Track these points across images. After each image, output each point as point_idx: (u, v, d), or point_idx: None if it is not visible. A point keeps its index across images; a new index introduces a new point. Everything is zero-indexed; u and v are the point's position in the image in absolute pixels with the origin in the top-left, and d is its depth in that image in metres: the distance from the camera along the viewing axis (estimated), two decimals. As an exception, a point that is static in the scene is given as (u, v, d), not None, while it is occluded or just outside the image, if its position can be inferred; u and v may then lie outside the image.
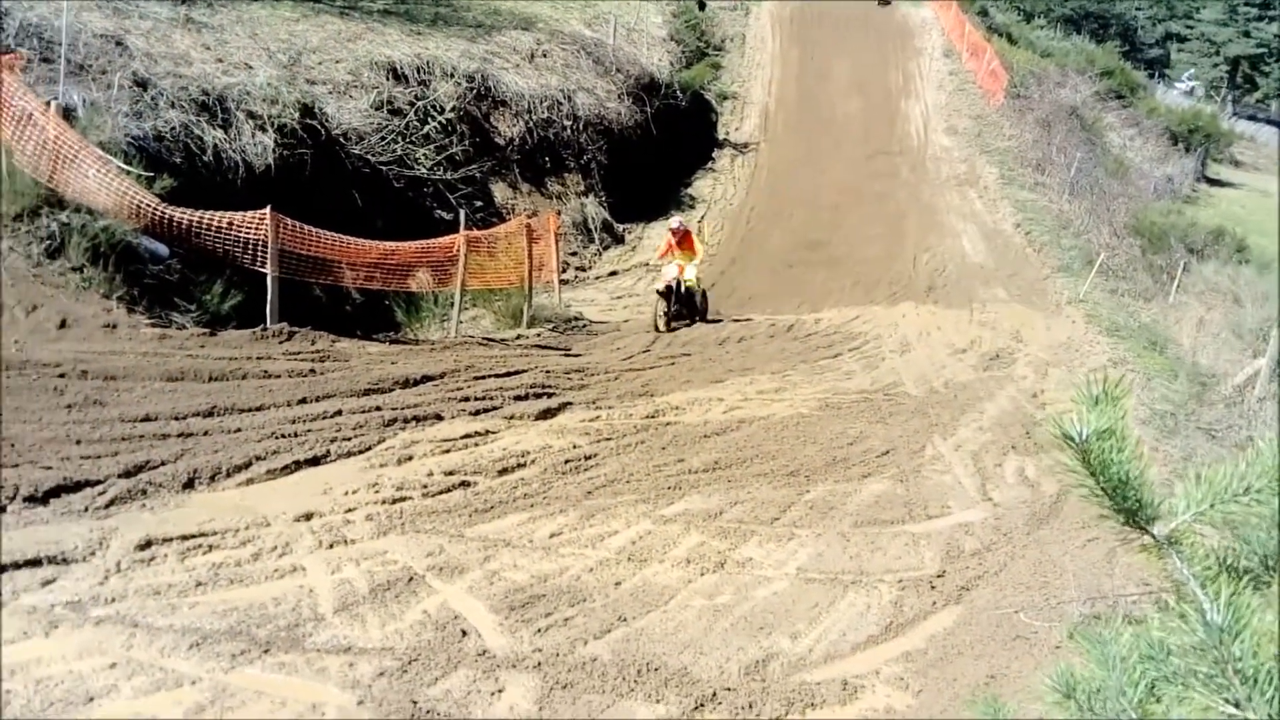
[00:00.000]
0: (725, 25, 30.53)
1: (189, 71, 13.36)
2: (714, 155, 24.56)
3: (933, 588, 6.18)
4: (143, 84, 12.41)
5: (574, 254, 18.46)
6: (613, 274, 18.57)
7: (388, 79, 16.24)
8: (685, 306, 14.63)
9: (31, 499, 5.84)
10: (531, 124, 18.84)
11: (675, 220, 15.80)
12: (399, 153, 15.52)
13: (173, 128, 12.24)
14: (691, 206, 21.96)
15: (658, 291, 14.28)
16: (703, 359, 12.02)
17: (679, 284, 14.27)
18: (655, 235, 20.16)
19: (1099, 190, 24.07)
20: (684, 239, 14.83)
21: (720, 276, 18.37)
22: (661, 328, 13.86)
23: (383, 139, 15.35)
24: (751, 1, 31.70)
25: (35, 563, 5.05)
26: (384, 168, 15.18)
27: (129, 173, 10.65)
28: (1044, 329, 15.91)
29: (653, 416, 9.09)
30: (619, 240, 19.96)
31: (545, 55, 20.50)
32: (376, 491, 6.60)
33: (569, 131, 19.67)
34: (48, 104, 10.51)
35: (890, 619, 5.72)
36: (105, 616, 4.63)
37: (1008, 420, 10.73)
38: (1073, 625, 5.43)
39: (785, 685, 4.83)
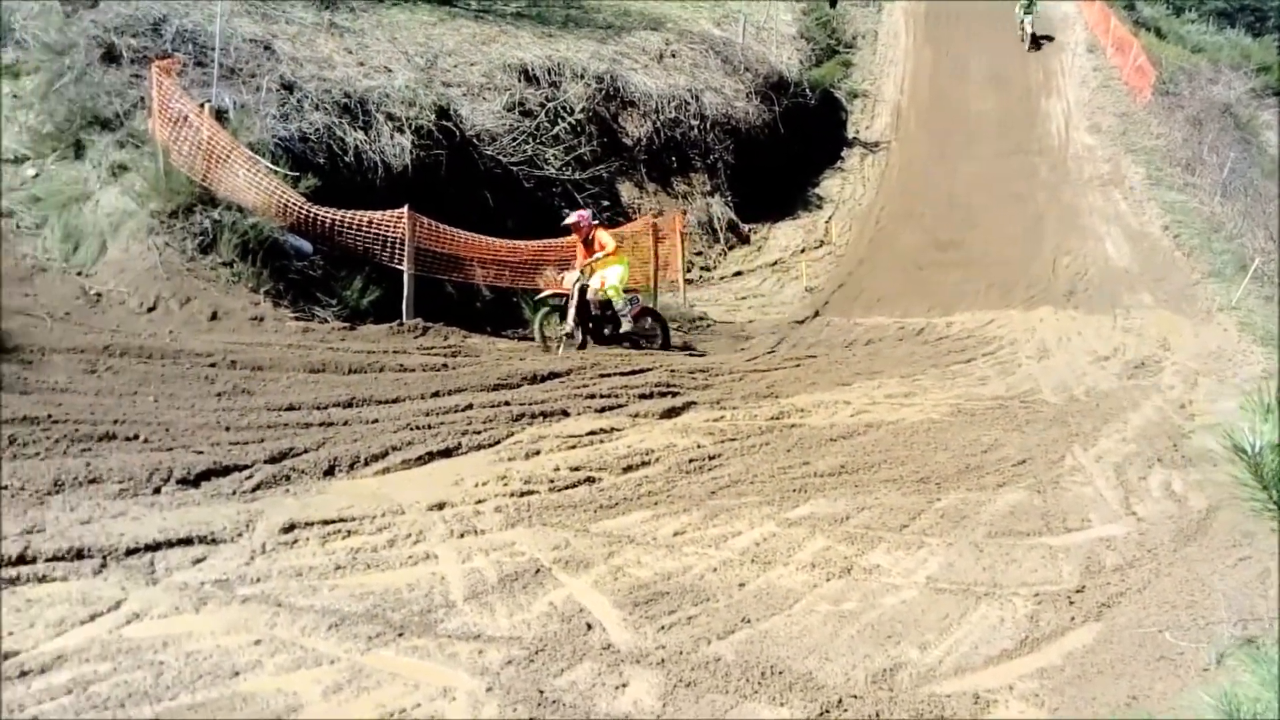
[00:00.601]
0: (857, 22, 30.04)
1: (332, 75, 13.88)
2: (843, 154, 24.20)
3: (1071, 603, 5.93)
4: (289, 87, 12.95)
5: (699, 254, 18.46)
6: (737, 274, 18.50)
7: (520, 81, 16.55)
8: (603, 324, 11.74)
9: (184, 481, 6.16)
10: (659, 124, 18.92)
11: (573, 214, 12.11)
12: (529, 153, 15.79)
13: (316, 129, 12.73)
14: (819, 206, 21.69)
15: (543, 300, 11.65)
16: (829, 361, 11.85)
17: (583, 292, 11.36)
18: (782, 235, 20.00)
19: (1254, 192, 22.70)
20: (589, 238, 11.73)
21: (848, 278, 18.09)
22: (553, 348, 11.21)
23: (514, 140, 15.66)
24: (885, -2, 31.10)
25: (187, 541, 5.32)
26: (515, 168, 15.48)
27: (276, 172, 11.14)
28: (1193, 337, 15.11)
29: (777, 418, 9.01)
30: (744, 240, 19.86)
31: (674, 55, 20.55)
32: (505, 484, 6.73)
33: (696, 131, 19.68)
34: (202, 106, 11.08)
35: (1025, 633, 5.51)
36: (251, 595, 4.84)
37: (1153, 431, 10.22)
38: (1224, 647, 5.13)
39: (914, 696, 4.71)
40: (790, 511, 6.83)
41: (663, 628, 5.03)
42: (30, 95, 12.10)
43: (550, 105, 16.59)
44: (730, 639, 5.06)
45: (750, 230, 20.04)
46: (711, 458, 7.73)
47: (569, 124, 16.70)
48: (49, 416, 6.60)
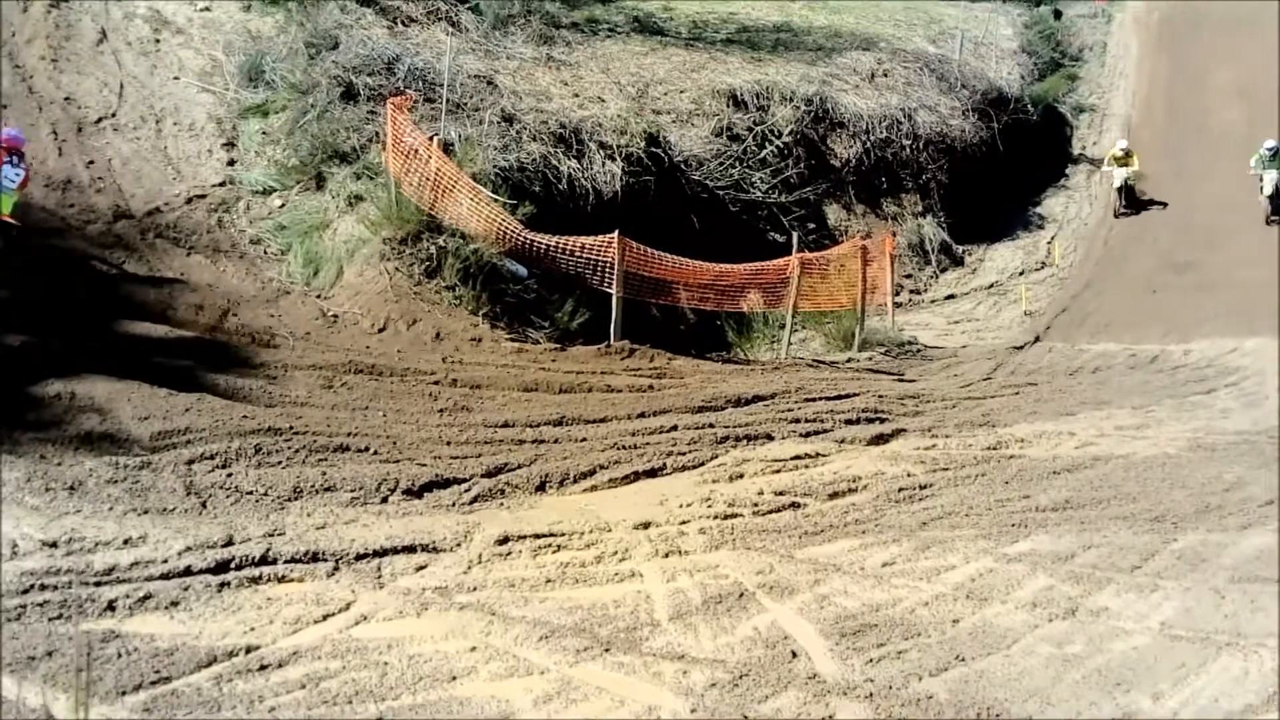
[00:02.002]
0: (1084, 34, 28.46)
1: (549, 106, 14.44)
2: (1067, 171, 22.93)
3: (1330, 661, 5.32)
4: (509, 119, 13.56)
5: (909, 276, 17.94)
6: (950, 297, 17.84)
7: (728, 106, 16.67)
8: None
9: (409, 492, 6.51)
10: (869, 144, 18.58)
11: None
12: (736, 177, 15.86)
13: (533, 158, 13.27)
14: (1040, 226, 20.63)
15: None
16: (1051, 389, 11.21)
17: None
18: (999, 257, 19.15)
19: None
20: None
21: (1072, 301, 17.08)
22: None
23: (721, 164, 15.77)
24: (1116, 4, 29.34)
25: (411, 549, 5.61)
26: (721, 192, 15.58)
27: (496, 200, 11.67)
28: None
29: (994, 448, 8.59)
30: (958, 262, 19.15)
31: (886, 74, 20.15)
32: (709, 506, 6.73)
33: (908, 151, 19.19)
34: (431, 139, 11.77)
35: (1273, 689, 4.98)
36: (468, 603, 5.03)
37: None
38: None
39: (1147, 751, 4.35)
40: (1009, 547, 6.47)
41: (871, 660, 4.87)
42: (278, 131, 13.24)
43: (758, 129, 16.61)
44: (943, 676, 4.83)
45: (965, 252, 19.31)
46: (922, 487, 7.45)
47: (776, 147, 16.66)
48: (290, 428, 7.12)
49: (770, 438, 8.27)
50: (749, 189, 15.95)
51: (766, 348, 13.07)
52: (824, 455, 8.03)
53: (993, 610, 5.59)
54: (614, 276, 11.51)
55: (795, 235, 14.36)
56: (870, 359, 12.69)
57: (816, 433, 8.54)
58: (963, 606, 5.59)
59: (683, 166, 15.30)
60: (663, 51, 17.88)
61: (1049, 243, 19.65)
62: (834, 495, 7.19)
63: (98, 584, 4.78)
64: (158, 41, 14.46)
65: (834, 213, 17.89)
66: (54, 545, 5.02)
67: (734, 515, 6.60)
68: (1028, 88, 23.16)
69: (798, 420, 8.74)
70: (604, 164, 13.99)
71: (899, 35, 22.11)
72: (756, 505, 6.83)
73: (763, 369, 11.24)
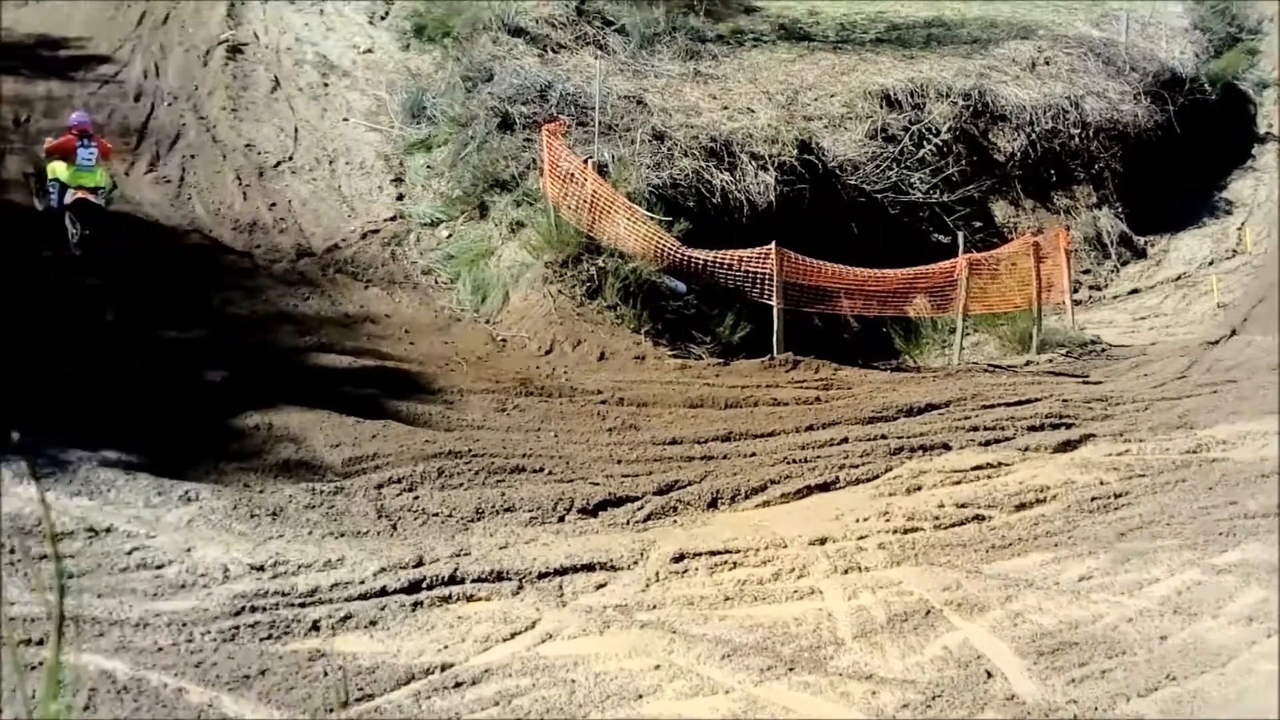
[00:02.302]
0: (1260, 5, 26.56)
1: (698, 121, 14.48)
2: (1253, 152, 21.36)
3: None
4: (660, 137, 13.67)
5: (1086, 272, 17.06)
6: (1133, 292, 16.84)
7: (881, 107, 16.30)
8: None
9: (584, 510, 6.62)
10: (1034, 136, 17.81)
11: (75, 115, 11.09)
12: (893, 179, 15.49)
13: (686, 174, 13.32)
14: (1228, 212, 19.27)
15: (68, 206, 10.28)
16: (1253, 386, 10.40)
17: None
18: (1185, 247, 17.99)
19: None
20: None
21: (1270, 290, 15.86)
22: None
23: (877, 166, 15.43)
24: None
25: (590, 567, 5.69)
26: (879, 195, 15.24)
27: (652, 218, 11.77)
28: None
29: (1194, 451, 8.03)
30: (1139, 254, 18.08)
31: (1047, 63, 19.29)
32: (887, 520, 6.56)
33: (1076, 140, 18.28)
34: (586, 162, 11.98)
35: None
36: (648, 621, 5.06)
37: None
38: None
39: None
40: (1217, 557, 6.04)
41: (1073, 681, 4.62)
42: (441, 164, 13.76)
43: (914, 128, 16.18)
44: (1153, 697, 4.55)
45: (1146, 243, 18.24)
46: (1117, 496, 7.05)
47: (935, 145, 16.19)
48: (469, 451, 7.36)
49: (948, 447, 8.00)
50: (908, 190, 15.54)
51: (937, 354, 12.67)
52: (1007, 464, 7.70)
53: (1204, 625, 5.23)
54: (774, 288, 11.41)
55: (961, 235, 13.89)
56: (1050, 361, 12.11)
57: (997, 441, 8.21)
58: (1170, 622, 5.25)
59: (837, 172, 15.05)
60: (810, 57, 17.65)
61: (1239, 229, 18.32)
62: (1021, 506, 6.89)
63: (302, 605, 5.04)
64: (326, 85, 15.28)
65: (1001, 209, 17.21)
66: (261, 569, 5.33)
67: (914, 529, 6.41)
68: (1203, 66, 21.71)
69: (976, 428, 8.42)
70: (757, 175, 13.90)
71: (1059, 21, 21.12)
72: (938, 519, 6.61)
73: (935, 376, 10.90)
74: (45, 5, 15.90)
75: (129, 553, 5.35)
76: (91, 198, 10.29)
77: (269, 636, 4.77)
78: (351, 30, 16.61)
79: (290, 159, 13.57)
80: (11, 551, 5.23)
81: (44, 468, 6.26)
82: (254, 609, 4.96)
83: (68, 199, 10.24)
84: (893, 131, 16.08)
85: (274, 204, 12.66)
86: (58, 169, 10.40)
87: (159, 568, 5.27)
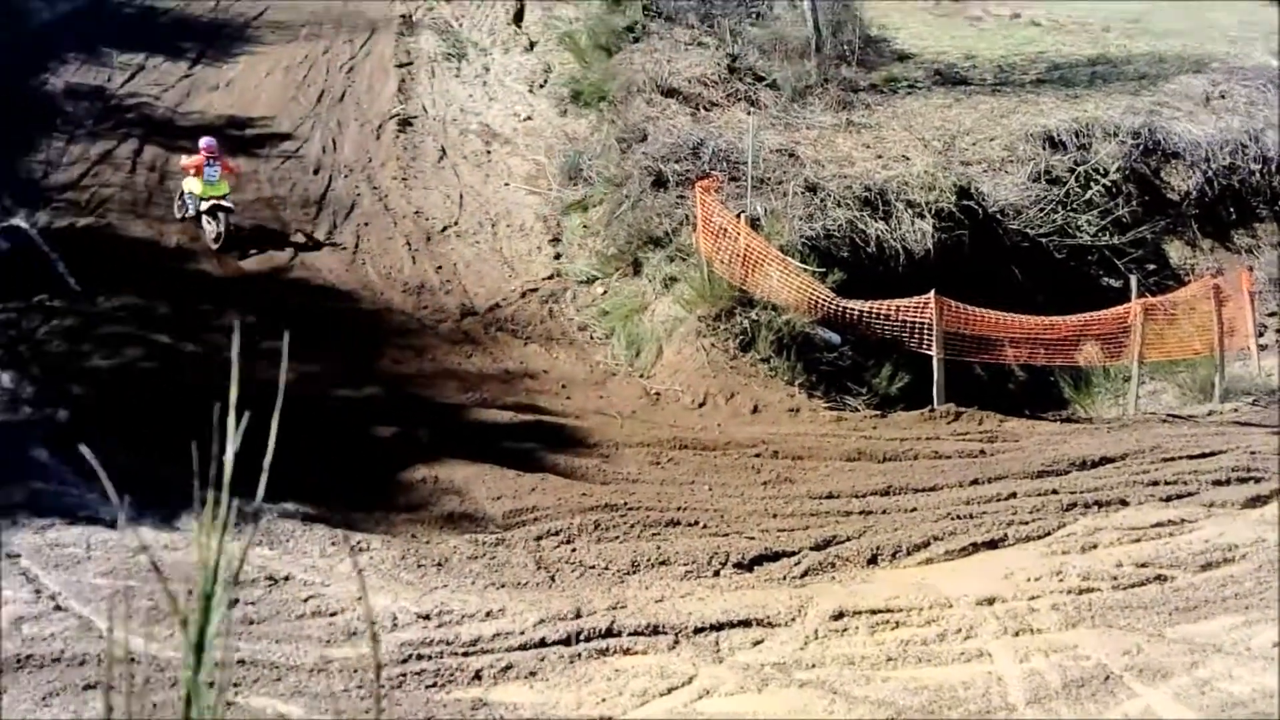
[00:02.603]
0: None
1: (851, 171, 14.38)
2: None
3: None
4: (813, 188, 13.63)
5: (1272, 314, 15.94)
6: (1329, 334, 15.65)
7: (1044, 149, 15.80)
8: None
9: (739, 565, 6.56)
10: (1210, 173, 16.86)
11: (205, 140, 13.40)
12: (1058, 222, 14.93)
13: (839, 225, 13.21)
14: None
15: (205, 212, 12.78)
16: None
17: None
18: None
19: None
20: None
21: None
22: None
23: (1041, 210, 14.92)
24: None
25: (746, 623, 5.62)
26: (1043, 239, 14.71)
27: (806, 270, 11.72)
28: None
29: (1403, 507, 7.35)
30: (1331, 295, 16.81)
31: (1223, 96, 18.30)
32: (1060, 580, 6.22)
33: (1257, 176, 17.20)
34: (738, 217, 12.06)
35: None
36: (807, 680, 4.95)
37: None
38: None
39: None
40: None
41: (1274, 757, 4.26)
42: (597, 224, 14.12)
43: (1080, 169, 15.59)
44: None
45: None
46: (1318, 555, 6.49)
47: (1102, 186, 15.54)
48: (625, 504, 7.43)
49: (1125, 503, 7.55)
50: (1075, 233, 14.95)
51: (1110, 403, 12.05)
52: (1190, 521, 7.21)
53: None
54: (933, 337, 11.13)
55: (1133, 279, 13.22)
56: (1235, 410, 11.33)
57: (1179, 496, 7.70)
58: (1382, 695, 4.79)
59: (998, 217, 14.63)
60: (968, 101, 17.31)
61: None
62: (1207, 566, 6.42)
63: (465, 654, 5.17)
64: (489, 153, 15.97)
65: (1176, 250, 16.32)
66: (427, 617, 5.51)
67: (1091, 590, 6.06)
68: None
69: (1156, 483, 7.93)
70: (913, 222, 13.67)
71: (1234, 52, 20.04)
72: (1116, 578, 6.24)
73: (1108, 427, 10.36)
74: (235, 88, 17.26)
75: (305, 600, 5.63)
76: (222, 202, 12.79)
77: (434, 684, 4.91)
78: (512, 99, 17.34)
79: (455, 224, 14.20)
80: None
81: (230, 519, 6.68)
82: (420, 657, 5.12)
83: (203, 206, 12.79)
84: (1057, 173, 15.53)
85: (440, 266, 13.25)
86: (192, 184, 12.90)
87: (332, 615, 5.52)
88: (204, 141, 13.18)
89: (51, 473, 7.19)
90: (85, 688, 4.77)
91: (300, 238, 13.39)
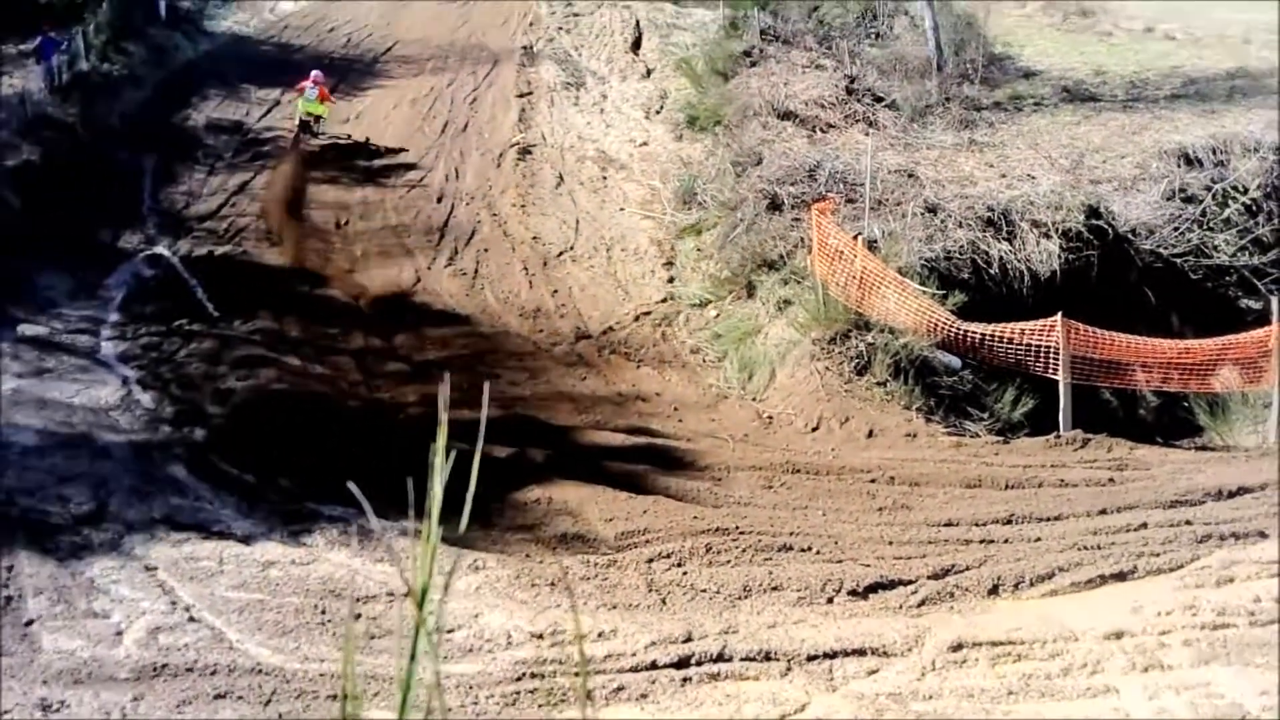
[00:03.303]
0: None
1: (973, 191, 14.06)
2: None
3: None
4: (933, 209, 13.38)
5: None
6: None
7: (1179, 166, 15.15)
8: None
9: (854, 593, 6.45)
10: (1361, 189, 15.90)
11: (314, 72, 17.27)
12: (1194, 242, 14.27)
13: (960, 246, 12.92)
14: None
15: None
16: None
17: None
18: None
19: None
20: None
21: None
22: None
23: (1175, 229, 14.29)
24: None
25: (860, 652, 5.53)
26: (1177, 260, 14.08)
27: (924, 293, 11.49)
28: None
29: None
30: None
31: (1378, 106, 17.26)
32: (1194, 615, 5.93)
33: None
34: (855, 238, 11.92)
35: None
36: (924, 712, 4.84)
37: None
38: None
39: None
40: None
41: None
42: (710, 247, 14.16)
43: (1217, 187, 14.89)
44: None
45: None
46: None
47: (1241, 204, 14.80)
48: (737, 528, 7.40)
49: (1264, 535, 7.14)
50: (1212, 253, 14.26)
51: (1249, 431, 11.41)
52: (1338, 556, 6.78)
53: None
54: (1059, 361, 10.76)
55: (1275, 301, 12.53)
56: (1396, 440, 10.62)
57: (1324, 529, 7.26)
58: None
59: (1129, 237, 14.07)
60: (1097, 118, 16.76)
61: None
62: (1354, 604, 6.03)
63: (577, 674, 5.23)
64: (604, 179, 16.21)
65: (1322, 270, 15.43)
66: (540, 637, 5.59)
67: (1225, 625, 5.76)
68: None
69: (1298, 515, 7.49)
70: (1038, 243, 13.27)
71: (1389, 60, 18.91)
72: (1253, 614, 5.91)
73: (1247, 456, 9.83)
74: (364, 120, 18.00)
75: (425, 616, 5.78)
76: (311, 121, 16.88)
77: (547, 703, 4.98)
78: (629, 125, 17.59)
79: (571, 249, 14.45)
80: (323, 612, 5.80)
81: (356, 536, 6.93)
82: (533, 675, 5.20)
83: (299, 119, 16.81)
84: (1192, 191, 14.87)
85: (556, 291, 13.49)
86: (299, 103, 16.79)
87: (449, 632, 5.66)
88: (314, 72, 17.10)
89: (188, 489, 7.58)
90: (216, 696, 5.00)
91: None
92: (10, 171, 14.04)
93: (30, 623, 5.78)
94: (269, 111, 18.08)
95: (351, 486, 1.35)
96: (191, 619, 5.77)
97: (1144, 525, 7.46)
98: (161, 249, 13.33)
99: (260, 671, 5.19)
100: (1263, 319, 12.07)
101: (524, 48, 20.36)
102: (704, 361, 12.38)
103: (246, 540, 6.78)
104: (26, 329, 10.65)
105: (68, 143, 15.47)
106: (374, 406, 9.93)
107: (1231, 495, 8.12)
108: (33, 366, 9.83)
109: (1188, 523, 7.42)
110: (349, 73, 19.81)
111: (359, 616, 5.85)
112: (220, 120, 17.66)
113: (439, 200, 15.56)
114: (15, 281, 11.47)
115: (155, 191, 15.01)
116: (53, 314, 11.23)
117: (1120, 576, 6.61)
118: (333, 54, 20.71)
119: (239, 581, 6.23)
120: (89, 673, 5.14)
